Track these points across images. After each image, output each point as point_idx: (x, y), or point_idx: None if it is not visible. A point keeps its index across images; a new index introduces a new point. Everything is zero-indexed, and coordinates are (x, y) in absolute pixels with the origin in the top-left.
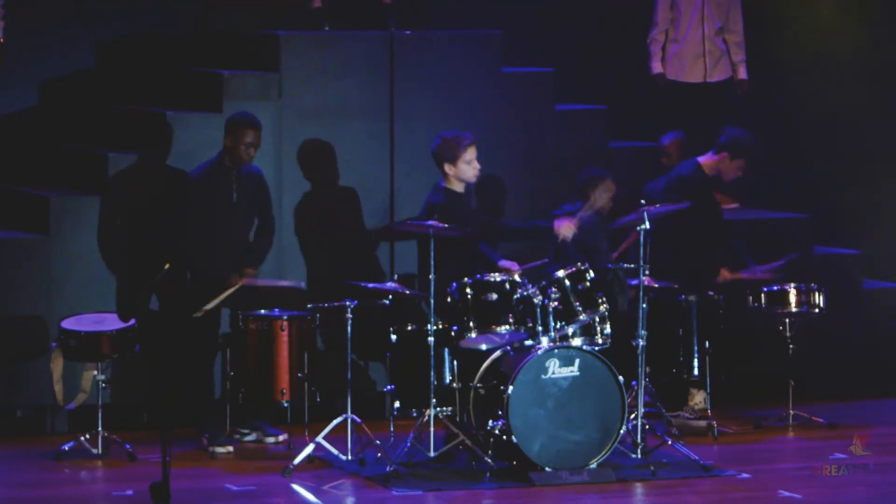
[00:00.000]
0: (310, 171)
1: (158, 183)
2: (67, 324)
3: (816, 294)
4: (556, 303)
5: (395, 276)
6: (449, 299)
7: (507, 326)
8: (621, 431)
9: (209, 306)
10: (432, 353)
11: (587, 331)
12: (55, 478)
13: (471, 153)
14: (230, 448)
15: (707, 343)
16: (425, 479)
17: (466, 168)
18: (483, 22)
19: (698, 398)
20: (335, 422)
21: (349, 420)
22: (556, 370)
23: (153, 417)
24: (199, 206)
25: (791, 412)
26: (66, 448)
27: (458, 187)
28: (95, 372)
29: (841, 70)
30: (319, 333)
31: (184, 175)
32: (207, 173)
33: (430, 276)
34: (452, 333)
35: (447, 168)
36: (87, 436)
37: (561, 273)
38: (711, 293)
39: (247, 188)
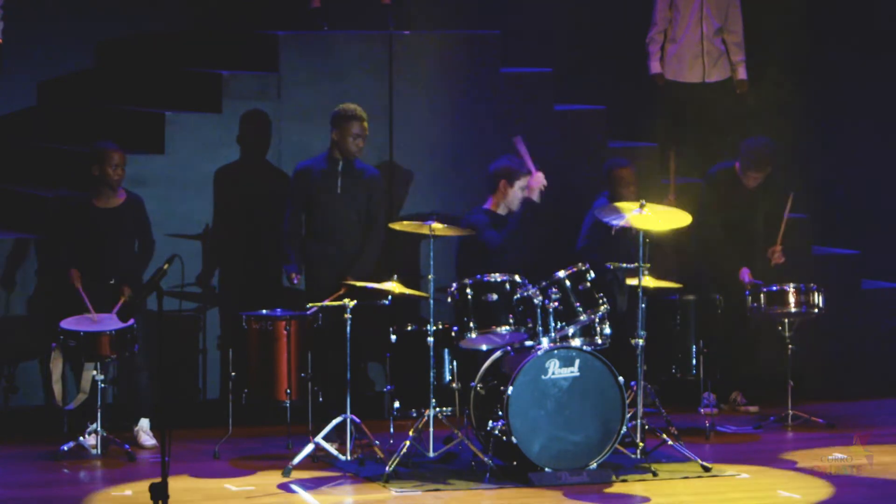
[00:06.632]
0: None
1: (262, 179)
2: (67, 324)
3: (815, 294)
4: (556, 303)
5: (395, 276)
6: (449, 299)
7: (508, 327)
8: (621, 432)
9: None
10: (432, 353)
11: (587, 331)
12: (55, 478)
13: (525, 181)
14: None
15: (701, 342)
16: (425, 480)
17: (518, 193)
18: (482, 22)
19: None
20: (335, 422)
21: (349, 420)
22: (557, 371)
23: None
24: (301, 199)
25: (790, 412)
26: (66, 448)
27: (501, 210)
28: (95, 372)
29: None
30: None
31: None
32: (312, 165)
33: (430, 277)
34: (452, 334)
35: (502, 185)
36: (87, 436)
37: (561, 273)
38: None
39: (355, 183)
